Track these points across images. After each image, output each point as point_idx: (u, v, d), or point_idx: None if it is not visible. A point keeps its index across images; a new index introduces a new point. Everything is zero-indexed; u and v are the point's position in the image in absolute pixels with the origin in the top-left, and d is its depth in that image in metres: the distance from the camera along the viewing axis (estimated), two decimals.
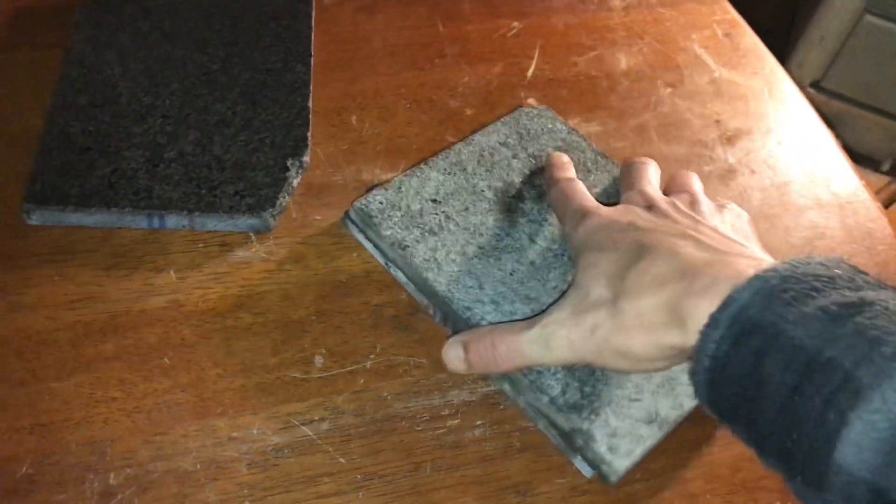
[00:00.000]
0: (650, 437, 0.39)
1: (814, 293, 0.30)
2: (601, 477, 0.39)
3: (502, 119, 0.52)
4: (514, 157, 0.50)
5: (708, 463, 0.41)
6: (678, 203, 0.42)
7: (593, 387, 0.40)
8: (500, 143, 0.50)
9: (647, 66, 0.62)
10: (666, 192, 0.45)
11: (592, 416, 0.39)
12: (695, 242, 0.36)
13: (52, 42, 0.54)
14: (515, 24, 0.63)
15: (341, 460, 0.39)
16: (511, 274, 0.44)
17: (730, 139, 0.58)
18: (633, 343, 0.35)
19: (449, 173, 0.48)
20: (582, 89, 0.59)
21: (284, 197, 0.47)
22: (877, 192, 1.32)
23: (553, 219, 0.47)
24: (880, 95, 1.52)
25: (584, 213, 0.42)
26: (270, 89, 0.52)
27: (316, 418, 0.40)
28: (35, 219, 0.45)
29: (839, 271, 0.32)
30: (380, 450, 0.40)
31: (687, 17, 0.67)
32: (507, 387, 0.42)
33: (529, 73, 0.59)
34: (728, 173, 0.55)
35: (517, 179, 0.49)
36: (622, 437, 0.39)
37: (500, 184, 0.48)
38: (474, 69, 0.58)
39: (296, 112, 0.51)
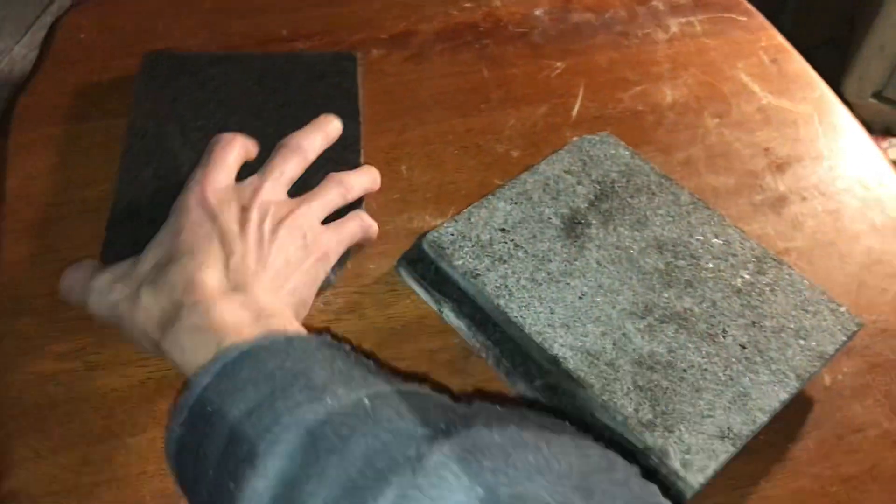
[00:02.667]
0: (724, 452, 0.39)
1: (257, 383, 0.33)
2: (675, 494, 0.39)
3: (566, 147, 0.53)
4: (579, 183, 0.51)
5: (765, 498, 0.41)
6: (269, 214, 0.43)
7: (666, 405, 0.41)
8: (564, 171, 0.52)
9: (693, 98, 0.62)
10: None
11: (666, 434, 0.40)
12: (225, 268, 0.40)
13: (120, 111, 0.57)
14: (559, 64, 0.64)
15: None
16: (580, 298, 0.45)
17: (780, 167, 0.57)
18: (134, 325, 0.39)
19: (516, 203, 0.50)
20: (628, 125, 0.59)
21: (346, 253, 0.48)
22: None
23: (619, 240, 0.48)
24: None
25: (199, 181, 0.44)
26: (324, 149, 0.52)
27: None
28: None
29: (285, 364, 0.34)
30: None
31: (732, 45, 0.67)
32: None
33: (574, 111, 0.60)
34: (779, 202, 0.55)
35: (583, 205, 0.50)
36: (696, 453, 0.39)
37: (566, 210, 0.49)
38: (519, 112, 0.60)
39: (349, 169, 0.51)
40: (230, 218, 0.42)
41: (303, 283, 0.43)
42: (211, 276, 0.39)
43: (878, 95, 1.55)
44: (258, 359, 0.34)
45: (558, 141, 0.58)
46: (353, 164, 0.52)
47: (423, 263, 0.48)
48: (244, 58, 0.60)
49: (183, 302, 0.38)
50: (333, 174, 0.48)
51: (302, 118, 0.52)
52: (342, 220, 0.47)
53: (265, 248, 0.42)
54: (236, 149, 0.46)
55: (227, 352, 0.35)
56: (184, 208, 0.42)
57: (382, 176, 0.54)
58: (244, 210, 0.42)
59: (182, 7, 0.67)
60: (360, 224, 0.48)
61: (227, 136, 0.47)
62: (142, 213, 0.49)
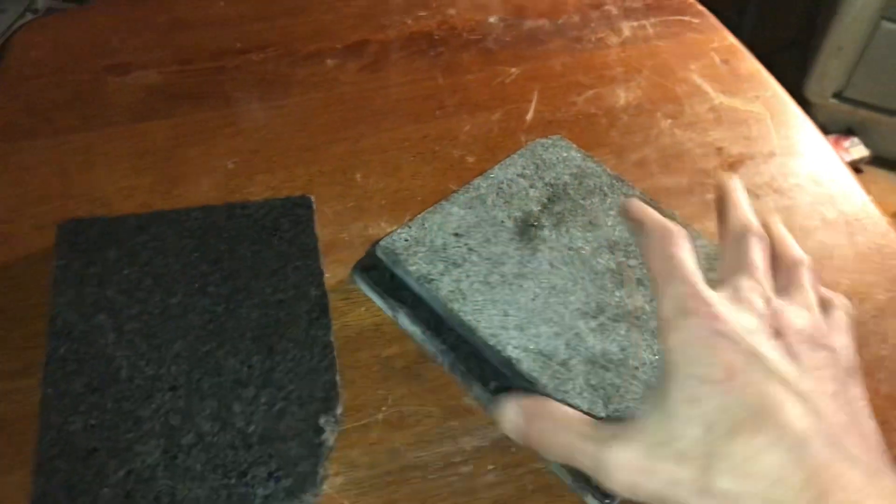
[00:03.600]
0: None
1: None
2: None
3: (519, 152, 0.54)
4: (532, 186, 0.51)
5: None
6: (800, 335, 0.34)
7: (619, 403, 0.41)
8: (517, 175, 0.52)
9: (647, 100, 0.63)
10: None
11: None
12: (826, 434, 0.29)
13: (72, 127, 0.57)
14: (513, 69, 0.64)
15: None
16: (533, 299, 0.45)
17: (732, 165, 0.58)
18: None
19: (469, 207, 0.50)
20: (581, 128, 0.60)
21: (323, 468, 0.41)
22: None
23: (571, 242, 0.48)
24: None
25: (692, 284, 0.34)
26: (286, 326, 0.46)
27: (331, 473, 0.41)
28: None
29: None
30: (395, 501, 0.40)
31: (684, 47, 0.68)
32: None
33: (529, 116, 0.61)
34: None
35: (536, 208, 0.50)
36: None
37: (519, 213, 0.50)
38: (474, 118, 0.60)
39: (319, 351, 0.45)
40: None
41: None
42: (823, 446, 0.29)
43: (838, 95, 1.57)
44: None
45: (513, 146, 0.58)
46: (322, 345, 0.45)
47: (377, 270, 0.48)
48: (178, 216, 0.51)
49: (811, 483, 0.27)
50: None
51: (255, 288, 0.47)
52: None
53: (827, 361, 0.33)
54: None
55: None
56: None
57: (337, 185, 0.54)
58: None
59: (135, 23, 0.67)
60: None
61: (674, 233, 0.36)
62: (77, 444, 0.41)
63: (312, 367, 0.44)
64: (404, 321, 0.47)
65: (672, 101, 0.63)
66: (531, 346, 0.43)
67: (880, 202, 0.58)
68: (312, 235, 0.51)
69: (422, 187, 0.55)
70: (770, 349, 0.32)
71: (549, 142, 0.54)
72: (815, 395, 0.30)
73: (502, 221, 0.49)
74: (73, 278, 0.48)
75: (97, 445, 0.41)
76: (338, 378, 0.44)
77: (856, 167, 1.66)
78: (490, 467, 0.42)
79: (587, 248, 0.48)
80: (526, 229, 0.49)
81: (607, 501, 0.39)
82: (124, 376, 0.43)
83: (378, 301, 0.48)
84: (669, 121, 0.61)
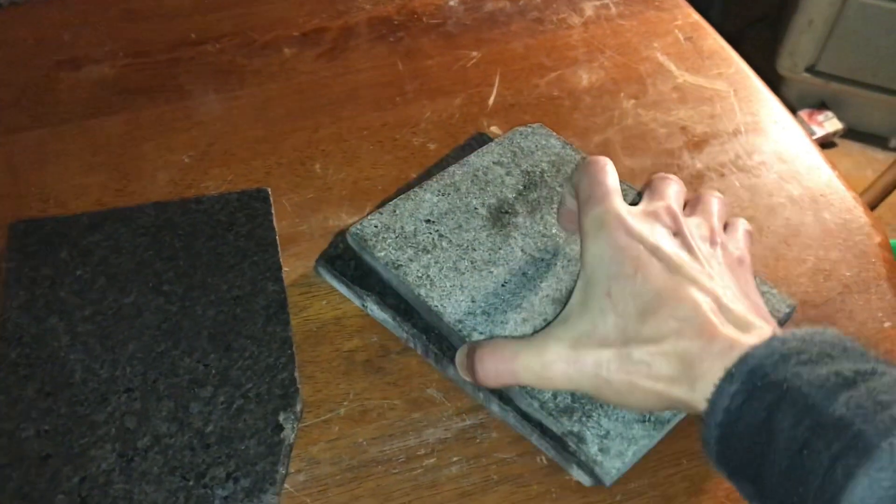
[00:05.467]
0: (643, 437, 0.39)
1: (827, 358, 0.32)
2: (596, 481, 0.39)
3: (497, 139, 0.53)
4: (508, 174, 0.51)
5: (690, 478, 0.41)
6: (698, 236, 0.40)
7: None
8: (493, 163, 0.51)
9: (610, 81, 0.62)
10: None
11: (584, 419, 0.40)
12: (714, 301, 0.36)
13: (21, 125, 0.56)
14: (475, 53, 0.63)
15: None
16: (503, 285, 0.45)
17: (696, 145, 0.57)
18: (634, 389, 0.36)
19: (443, 194, 0.49)
20: (544, 111, 0.59)
21: (284, 466, 0.40)
22: (888, 169, 1.30)
23: (545, 228, 0.48)
24: (876, 72, 1.51)
25: (610, 201, 0.39)
26: (243, 323, 0.45)
27: (292, 471, 0.40)
28: None
29: (851, 344, 0.33)
30: (358, 496, 0.40)
31: (647, 25, 0.67)
32: (494, 407, 0.42)
33: (491, 100, 0.60)
34: (696, 179, 0.55)
35: (511, 195, 0.49)
36: (614, 438, 0.39)
37: (493, 201, 0.49)
38: (435, 103, 0.59)
39: (277, 347, 0.44)
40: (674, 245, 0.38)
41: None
42: (712, 309, 0.35)
43: (810, 70, 1.57)
44: (813, 342, 0.33)
45: (475, 131, 0.57)
46: (281, 341, 0.44)
47: (342, 260, 0.47)
48: (132, 213, 0.50)
49: (704, 333, 0.34)
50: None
51: (212, 285, 0.46)
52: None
53: (722, 261, 0.40)
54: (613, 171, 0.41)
55: (781, 336, 0.33)
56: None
57: (295, 176, 0.53)
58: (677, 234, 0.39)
59: (87, 16, 0.65)
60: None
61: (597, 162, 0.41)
62: (29, 451, 0.40)
63: (270, 364, 0.44)
64: (374, 309, 0.46)
65: (635, 80, 0.62)
66: (497, 332, 0.42)
67: (854, 174, 0.58)
68: (270, 229, 0.50)
69: (382, 177, 0.54)
70: (670, 244, 0.38)
71: (529, 130, 0.54)
72: (703, 275, 0.37)
73: (476, 208, 0.48)
74: (24, 280, 0.46)
75: (50, 451, 0.40)
76: (297, 374, 0.43)
77: (830, 141, 1.66)
78: (454, 459, 0.41)
79: (562, 235, 0.47)
80: (499, 216, 0.48)
81: (596, 468, 0.39)
82: (78, 379, 0.42)
83: (345, 291, 0.47)
84: (633, 101, 0.60)
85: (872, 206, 1.30)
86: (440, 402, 0.43)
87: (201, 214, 0.50)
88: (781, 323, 0.45)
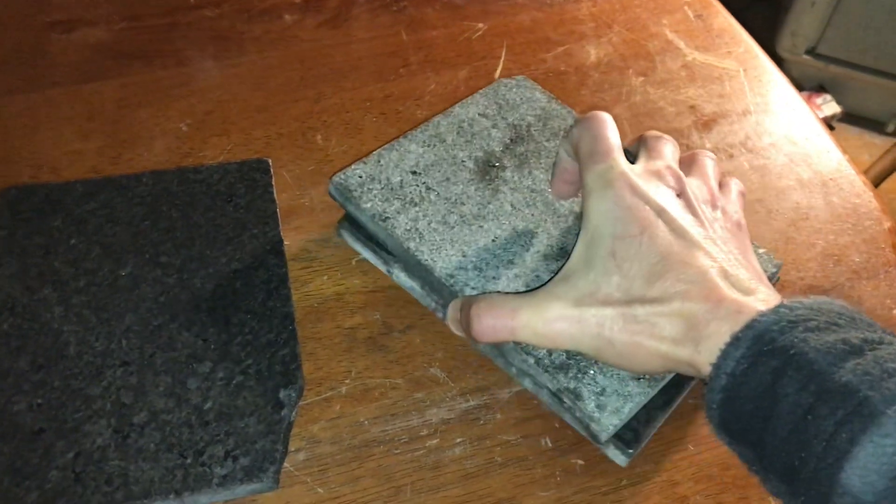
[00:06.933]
0: (639, 394, 0.39)
1: (835, 327, 0.31)
2: (591, 437, 0.39)
3: (481, 91, 0.52)
4: (494, 126, 0.50)
5: (696, 463, 0.41)
6: (700, 198, 0.39)
7: None
8: (479, 115, 0.50)
9: (618, 57, 0.60)
10: None
11: (580, 375, 0.39)
12: (720, 265, 0.35)
13: (15, 87, 0.54)
14: (481, 25, 0.62)
15: (320, 490, 0.38)
16: (494, 240, 0.44)
17: (705, 124, 0.56)
18: (638, 349, 0.35)
19: (428, 145, 0.48)
20: (551, 86, 0.58)
21: (284, 445, 0.39)
22: (884, 154, 1.29)
23: (534, 183, 0.47)
24: (877, 56, 1.50)
25: (614, 157, 0.38)
26: (242, 298, 0.44)
27: (292, 449, 0.40)
28: None
29: (859, 315, 0.33)
30: (358, 477, 0.39)
31: (657, 1, 0.65)
32: (528, 383, 0.42)
33: (497, 74, 0.58)
34: None
35: (498, 149, 0.48)
36: (610, 395, 0.39)
37: (480, 153, 0.48)
38: (440, 76, 0.58)
39: (278, 322, 0.43)
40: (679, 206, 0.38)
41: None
42: (718, 273, 0.35)
43: (811, 52, 1.56)
44: (820, 311, 0.32)
45: None
46: (282, 316, 0.43)
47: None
48: (128, 182, 0.48)
49: (711, 297, 0.34)
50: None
51: (210, 258, 0.45)
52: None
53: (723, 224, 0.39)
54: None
55: (788, 303, 0.32)
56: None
57: (296, 147, 0.52)
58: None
59: None
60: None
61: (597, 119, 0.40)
62: (22, 424, 0.39)
63: (271, 340, 0.42)
64: (399, 276, 0.45)
65: (644, 57, 0.61)
66: (490, 288, 0.42)
67: (852, 159, 0.56)
68: (271, 201, 0.48)
69: None
70: (675, 207, 0.37)
71: (513, 82, 0.52)
72: (708, 240, 0.36)
73: (463, 161, 0.47)
74: (16, 249, 0.45)
75: (44, 426, 0.39)
76: (298, 350, 0.42)
77: (828, 124, 1.65)
78: (458, 440, 0.40)
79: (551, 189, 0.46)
80: (487, 170, 0.47)
81: (593, 425, 0.38)
82: (72, 352, 0.41)
83: (369, 256, 0.46)
84: (641, 78, 0.59)
85: None
86: (444, 381, 0.42)
87: (199, 184, 0.49)
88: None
